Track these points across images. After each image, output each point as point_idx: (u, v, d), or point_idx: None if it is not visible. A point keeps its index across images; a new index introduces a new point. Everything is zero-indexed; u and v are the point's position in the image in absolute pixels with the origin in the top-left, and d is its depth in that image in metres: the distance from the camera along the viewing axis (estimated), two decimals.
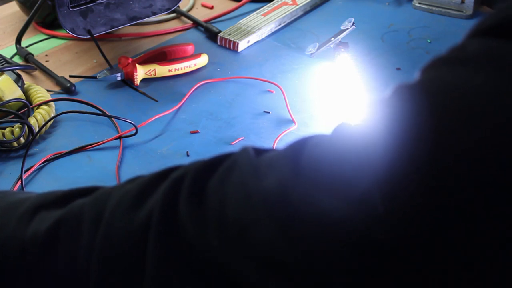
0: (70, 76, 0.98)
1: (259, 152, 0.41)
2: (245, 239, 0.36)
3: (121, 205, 0.43)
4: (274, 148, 0.41)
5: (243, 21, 1.13)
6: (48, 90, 0.94)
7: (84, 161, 0.82)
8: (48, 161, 0.81)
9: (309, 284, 0.34)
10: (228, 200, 0.38)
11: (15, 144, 0.82)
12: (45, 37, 1.11)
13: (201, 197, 0.39)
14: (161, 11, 1.09)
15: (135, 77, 0.95)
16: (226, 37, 1.08)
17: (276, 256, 0.35)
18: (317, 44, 1.04)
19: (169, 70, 0.98)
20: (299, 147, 0.38)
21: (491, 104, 0.32)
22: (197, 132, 0.87)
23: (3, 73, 0.89)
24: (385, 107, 0.35)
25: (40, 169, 0.80)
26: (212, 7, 1.23)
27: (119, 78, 0.96)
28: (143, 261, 0.40)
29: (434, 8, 1.20)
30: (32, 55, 1.04)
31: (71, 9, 0.99)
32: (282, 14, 1.16)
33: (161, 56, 1.01)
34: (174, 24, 1.17)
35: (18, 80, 0.91)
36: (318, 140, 0.38)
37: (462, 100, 0.33)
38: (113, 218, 0.43)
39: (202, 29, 1.14)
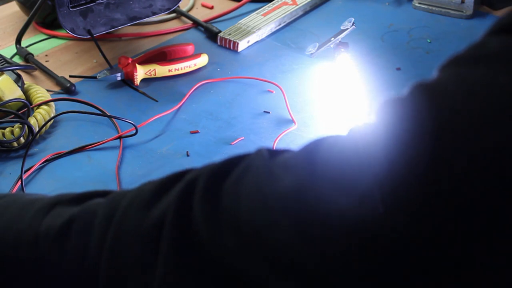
0: (70, 76, 0.98)
1: (274, 153, 0.40)
2: (261, 242, 0.36)
3: (134, 204, 0.43)
4: (288, 149, 0.41)
5: (243, 21, 1.13)
6: (48, 90, 0.94)
7: (84, 161, 0.82)
8: (48, 161, 0.81)
9: (328, 286, 0.34)
10: (243, 203, 0.38)
11: (15, 144, 0.82)
12: (45, 37, 1.11)
13: (216, 200, 0.39)
14: (161, 11, 1.09)
15: (135, 77, 0.95)
16: (226, 37, 1.08)
17: (293, 258, 0.35)
18: (317, 44, 1.04)
19: (169, 70, 0.98)
20: (314, 148, 0.38)
21: None
22: (197, 132, 0.87)
23: (3, 73, 0.89)
24: (395, 107, 0.35)
25: (40, 169, 0.80)
26: (212, 7, 1.23)
27: (119, 78, 0.96)
28: (155, 261, 0.40)
29: (434, 8, 1.20)
30: (32, 55, 1.04)
31: (71, 9, 0.99)
32: (282, 14, 1.16)
33: (161, 56, 1.01)
34: (174, 24, 1.17)
35: (18, 80, 0.91)
36: (333, 140, 0.38)
37: (485, 100, 0.32)
38: (125, 216, 0.43)
39: (202, 29, 1.14)
